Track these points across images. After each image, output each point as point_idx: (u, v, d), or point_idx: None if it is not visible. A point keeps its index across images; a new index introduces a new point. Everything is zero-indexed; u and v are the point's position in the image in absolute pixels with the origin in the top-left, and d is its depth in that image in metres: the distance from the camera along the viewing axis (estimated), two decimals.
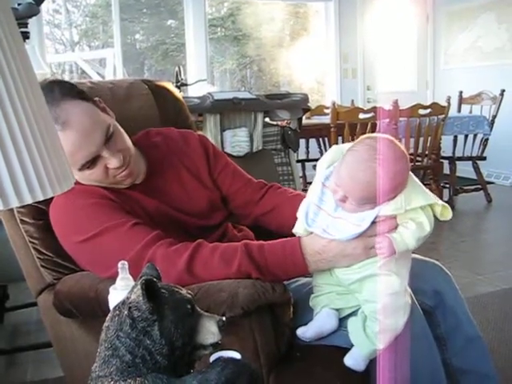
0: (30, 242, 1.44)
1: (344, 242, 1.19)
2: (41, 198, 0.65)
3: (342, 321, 1.25)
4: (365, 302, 1.20)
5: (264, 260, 1.22)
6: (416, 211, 1.16)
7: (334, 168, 1.21)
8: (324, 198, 1.21)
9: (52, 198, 1.35)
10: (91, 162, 1.31)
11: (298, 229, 1.26)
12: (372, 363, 1.20)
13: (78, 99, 1.31)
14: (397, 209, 1.15)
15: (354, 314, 1.24)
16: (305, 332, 1.23)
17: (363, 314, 1.20)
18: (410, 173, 1.19)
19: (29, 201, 0.63)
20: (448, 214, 1.18)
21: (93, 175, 1.34)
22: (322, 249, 1.21)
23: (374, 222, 1.17)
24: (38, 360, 2.37)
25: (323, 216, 1.20)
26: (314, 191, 1.23)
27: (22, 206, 1.41)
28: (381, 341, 1.15)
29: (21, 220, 1.44)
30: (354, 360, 1.18)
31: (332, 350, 1.24)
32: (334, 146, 1.28)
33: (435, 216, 1.18)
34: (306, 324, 1.25)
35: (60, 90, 1.29)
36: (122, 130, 1.39)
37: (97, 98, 1.38)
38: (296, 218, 1.26)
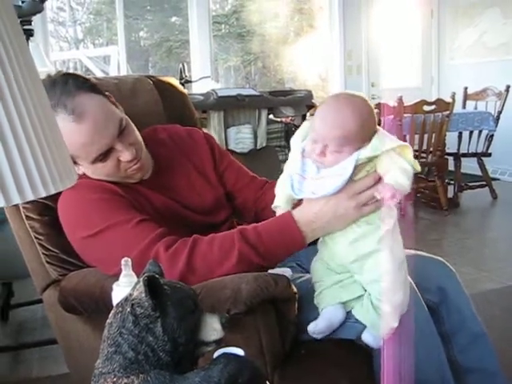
0: (36, 238, 1.44)
1: (334, 200, 1.19)
2: (43, 195, 0.65)
3: (348, 313, 1.24)
4: (369, 282, 1.21)
5: (262, 243, 1.22)
6: (391, 155, 1.17)
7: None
8: (305, 167, 1.22)
9: (59, 194, 1.36)
10: (104, 155, 1.31)
11: (279, 202, 1.28)
12: (378, 360, 1.20)
13: (92, 92, 1.32)
14: (374, 150, 1.17)
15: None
16: (315, 327, 1.22)
17: (369, 296, 1.21)
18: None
19: (31, 197, 0.63)
20: (418, 166, 1.18)
21: (105, 168, 1.34)
22: (314, 216, 1.21)
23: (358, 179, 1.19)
24: (44, 357, 2.38)
25: (308, 182, 1.21)
26: (294, 163, 1.24)
27: (28, 202, 1.41)
28: (394, 319, 1.16)
29: (26, 216, 1.44)
30: (371, 336, 1.20)
31: (337, 346, 1.24)
32: (305, 122, 1.31)
33: None
34: (312, 320, 1.24)
35: (74, 83, 1.30)
36: (133, 124, 1.41)
37: (107, 93, 1.39)
38: None
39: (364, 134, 1.17)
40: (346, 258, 1.23)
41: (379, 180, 1.19)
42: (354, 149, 1.17)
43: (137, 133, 1.41)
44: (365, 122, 1.17)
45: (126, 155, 1.33)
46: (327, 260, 1.26)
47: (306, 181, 1.21)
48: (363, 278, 1.22)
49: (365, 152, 1.17)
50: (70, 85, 1.28)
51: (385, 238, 1.17)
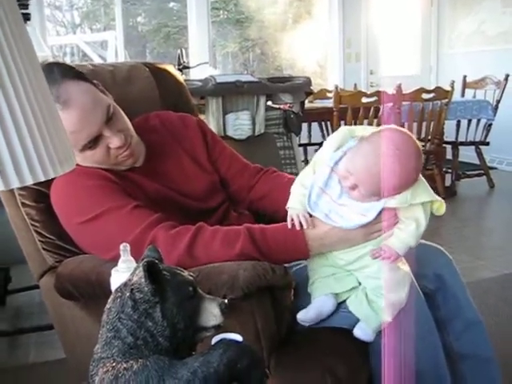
0: (32, 224, 1.44)
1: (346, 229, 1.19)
2: (42, 179, 0.64)
3: (340, 304, 1.25)
4: (367, 278, 1.21)
5: (266, 244, 1.22)
6: (416, 206, 1.17)
7: (343, 153, 1.19)
8: (330, 182, 1.20)
9: (53, 181, 1.35)
10: (93, 142, 1.31)
11: (292, 203, 1.24)
12: (373, 346, 1.21)
13: (78, 79, 1.31)
14: (402, 202, 1.16)
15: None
16: (305, 314, 1.23)
17: (364, 289, 1.21)
18: None
19: (30, 181, 0.63)
20: (443, 210, 1.19)
21: (95, 156, 1.34)
22: (324, 234, 1.22)
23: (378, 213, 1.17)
24: (40, 342, 2.38)
25: (326, 200, 1.20)
26: (320, 174, 1.22)
27: (23, 189, 1.41)
28: (387, 314, 1.17)
29: (22, 203, 1.43)
30: (362, 330, 1.20)
31: (333, 333, 1.24)
32: (342, 128, 1.26)
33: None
34: (305, 307, 1.25)
35: (59, 71, 1.29)
36: (122, 111, 1.40)
37: (95, 81, 1.38)
38: None
39: (402, 189, 1.15)
40: (346, 260, 1.24)
41: (395, 216, 1.18)
42: (383, 196, 1.15)
43: (126, 119, 1.40)
44: (407, 180, 1.14)
45: (115, 141, 1.33)
46: (326, 253, 1.26)
47: (324, 197, 1.20)
48: (360, 273, 1.23)
49: (391, 202, 1.16)
50: (55, 73, 1.27)
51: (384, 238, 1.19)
